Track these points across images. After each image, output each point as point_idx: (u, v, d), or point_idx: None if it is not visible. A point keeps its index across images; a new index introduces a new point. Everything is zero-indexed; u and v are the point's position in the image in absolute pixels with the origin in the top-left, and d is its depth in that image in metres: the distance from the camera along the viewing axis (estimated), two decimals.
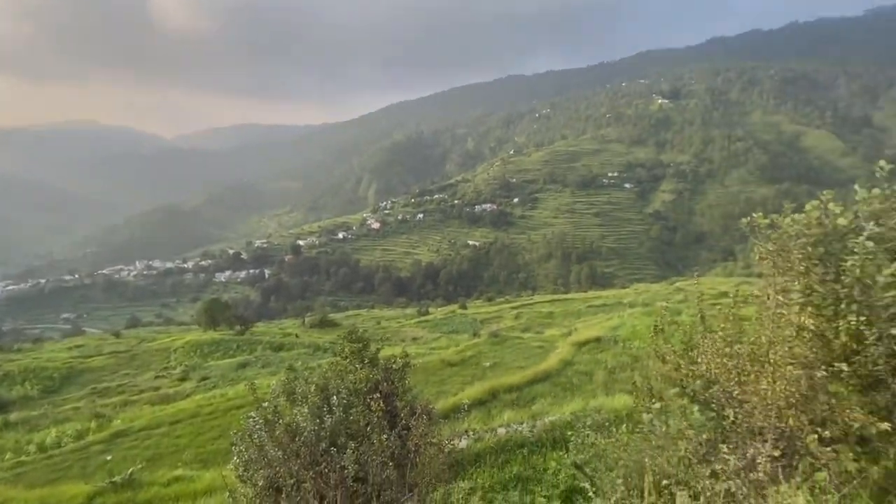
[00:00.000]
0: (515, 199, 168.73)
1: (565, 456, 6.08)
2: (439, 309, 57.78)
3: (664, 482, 2.71)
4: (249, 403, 13.56)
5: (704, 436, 2.83)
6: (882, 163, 3.14)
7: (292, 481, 3.76)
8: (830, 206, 3.01)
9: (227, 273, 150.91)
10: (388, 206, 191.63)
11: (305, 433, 3.73)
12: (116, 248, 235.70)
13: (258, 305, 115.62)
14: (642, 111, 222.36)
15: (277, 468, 3.67)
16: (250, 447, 4.06)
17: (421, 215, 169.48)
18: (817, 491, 2.22)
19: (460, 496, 3.90)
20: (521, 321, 34.64)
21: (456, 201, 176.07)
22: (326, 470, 3.76)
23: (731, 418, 2.96)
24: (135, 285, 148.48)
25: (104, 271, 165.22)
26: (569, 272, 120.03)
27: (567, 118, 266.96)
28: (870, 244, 2.75)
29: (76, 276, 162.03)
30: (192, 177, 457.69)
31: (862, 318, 2.65)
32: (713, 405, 3.21)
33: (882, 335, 2.64)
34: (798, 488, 2.25)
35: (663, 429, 3.00)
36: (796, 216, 3.06)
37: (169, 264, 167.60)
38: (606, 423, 6.11)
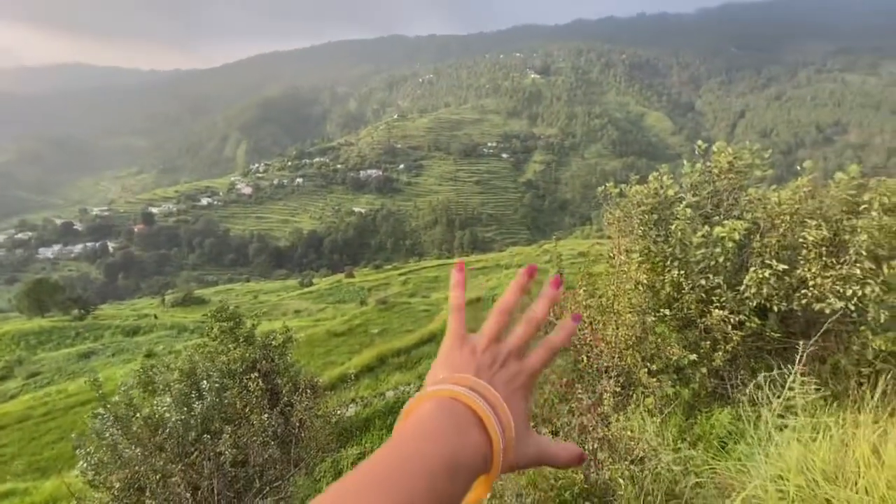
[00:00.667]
0: (401, 166, 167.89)
1: None
2: (324, 279, 55.92)
3: (531, 423, 3.07)
4: (97, 399, 11.76)
5: (565, 379, 3.26)
6: (700, 142, 3.83)
7: (157, 477, 3.40)
8: (665, 179, 3.59)
9: (56, 248, 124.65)
10: (262, 170, 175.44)
11: (170, 424, 3.35)
12: None
13: (102, 285, 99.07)
14: (517, 84, 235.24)
15: (136, 467, 3.27)
16: (100, 448, 3.54)
17: (300, 180, 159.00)
18: (646, 414, 2.72)
19: (349, 462, 3.94)
20: (408, 287, 35.36)
21: (339, 166, 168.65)
22: (200, 459, 3.47)
23: (585, 361, 3.46)
24: None
25: None
26: (453, 238, 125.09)
27: (450, 85, 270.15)
28: (688, 211, 3.36)
29: None
30: None
31: (681, 272, 3.27)
32: (572, 351, 3.70)
33: (694, 285, 3.29)
34: (633, 413, 2.74)
35: None
36: (639, 187, 3.59)
37: None
38: None
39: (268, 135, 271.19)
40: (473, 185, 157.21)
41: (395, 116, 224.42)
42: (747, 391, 2.59)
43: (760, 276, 3.04)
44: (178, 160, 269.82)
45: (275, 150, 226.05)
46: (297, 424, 3.69)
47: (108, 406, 3.44)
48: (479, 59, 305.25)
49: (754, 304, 3.14)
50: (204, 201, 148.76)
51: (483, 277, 31.40)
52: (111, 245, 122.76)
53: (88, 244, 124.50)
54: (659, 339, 3.22)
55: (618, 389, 2.77)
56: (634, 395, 3.14)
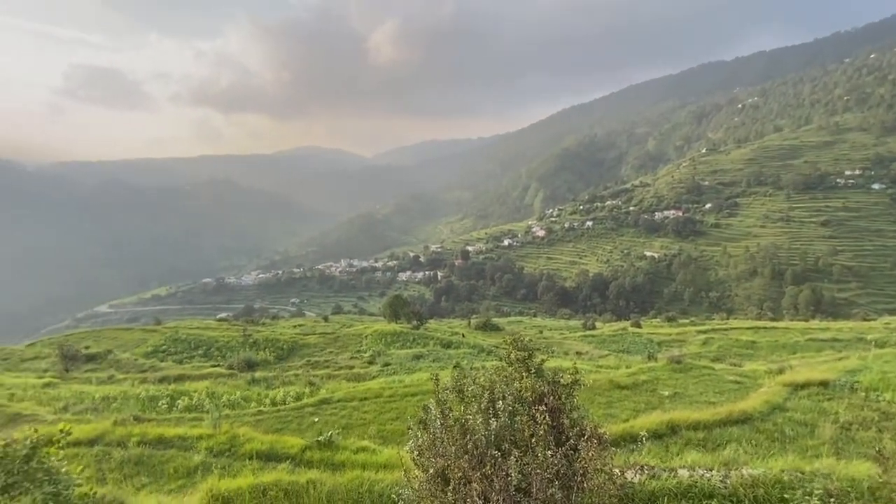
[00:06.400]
0: (707, 205, 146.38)
1: None
2: (607, 324, 53.84)
3: None
4: (423, 392, 14.85)
5: None
6: None
7: (459, 475, 3.94)
8: None
9: (408, 273, 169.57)
10: (555, 214, 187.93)
11: (478, 434, 3.87)
12: (328, 248, 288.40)
13: (431, 304, 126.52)
14: None
15: (448, 461, 3.90)
16: (424, 435, 4.42)
17: (590, 223, 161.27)
18: None
19: None
20: (710, 348, 29.69)
21: (632, 208, 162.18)
22: (491, 473, 3.83)
23: None
24: (340, 279, 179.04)
25: (319, 267, 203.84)
26: (781, 294, 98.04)
27: (782, 106, 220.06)
28: None
29: (301, 269, 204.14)
30: (385, 189, 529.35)
31: None
32: None
33: None
34: None
35: None
36: None
37: (364, 263, 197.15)
38: (840, 495, 4.76)
39: (563, 182, 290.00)
40: (818, 226, 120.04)
41: (703, 150, 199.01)
42: None
43: None
44: (489, 208, 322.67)
45: (568, 196, 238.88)
46: (581, 472, 3.58)
47: (437, 402, 4.27)
48: (832, 66, 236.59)
49: None
50: (505, 242, 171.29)
51: (832, 352, 23.04)
52: (440, 274, 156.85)
53: (426, 272, 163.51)
54: None
55: None
56: None
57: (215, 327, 39.93)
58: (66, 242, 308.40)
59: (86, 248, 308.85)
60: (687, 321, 52.63)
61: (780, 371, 16.12)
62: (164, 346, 31.75)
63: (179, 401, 15.31)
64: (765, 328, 37.90)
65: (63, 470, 4.92)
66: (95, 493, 5.40)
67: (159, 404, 15.17)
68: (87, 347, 30.16)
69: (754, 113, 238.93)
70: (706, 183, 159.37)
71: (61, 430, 5.61)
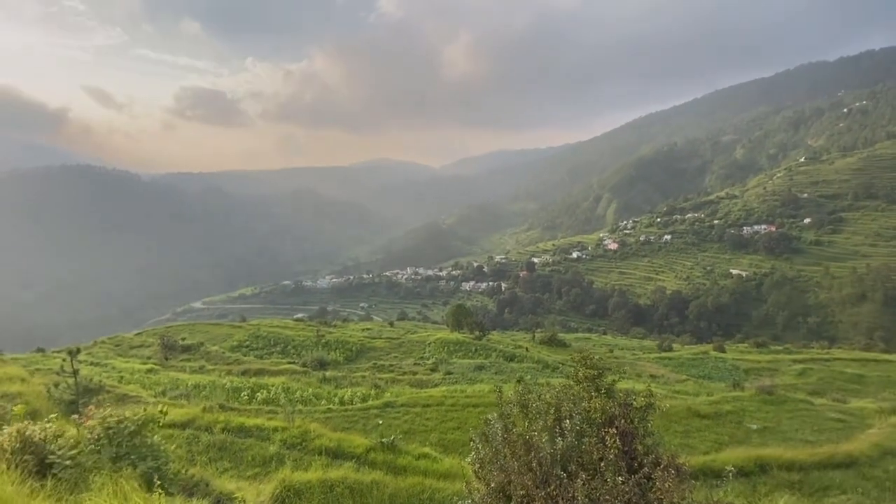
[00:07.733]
0: (806, 220, 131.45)
1: None
2: (686, 347, 49.95)
3: None
4: (484, 404, 14.72)
5: None
6: None
7: (522, 492, 3.85)
8: None
9: (471, 283, 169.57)
10: (629, 226, 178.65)
11: (542, 452, 3.76)
12: (395, 256, 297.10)
13: (494, 315, 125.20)
14: None
15: (511, 477, 3.82)
16: (486, 447, 4.38)
17: (668, 237, 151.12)
18: None
19: None
20: (809, 380, 26.43)
21: (716, 221, 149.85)
22: (556, 494, 3.70)
23: None
24: (405, 286, 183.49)
25: (387, 273, 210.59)
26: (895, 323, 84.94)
27: None
28: None
29: (370, 275, 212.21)
30: (451, 199, 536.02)
31: None
32: None
33: None
34: None
35: None
36: None
37: (429, 272, 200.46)
38: None
39: (638, 193, 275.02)
40: None
41: (802, 159, 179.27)
42: None
43: None
44: (557, 219, 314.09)
45: (645, 208, 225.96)
46: None
47: (500, 415, 4.22)
48: None
49: None
50: (574, 254, 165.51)
51: None
52: (503, 285, 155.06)
53: (490, 283, 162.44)
54: None
55: None
56: None
57: (292, 327, 42.67)
58: (170, 243, 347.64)
59: (187, 250, 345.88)
60: (780, 348, 47.25)
61: (894, 411, 13.95)
62: (247, 342, 34.48)
63: (258, 393, 16.50)
64: (875, 361, 33.03)
65: (162, 448, 5.52)
66: (188, 471, 5.98)
67: (241, 395, 16.48)
68: (183, 339, 33.62)
69: (863, 118, 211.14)
70: (805, 195, 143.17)
71: (160, 411, 6.29)
